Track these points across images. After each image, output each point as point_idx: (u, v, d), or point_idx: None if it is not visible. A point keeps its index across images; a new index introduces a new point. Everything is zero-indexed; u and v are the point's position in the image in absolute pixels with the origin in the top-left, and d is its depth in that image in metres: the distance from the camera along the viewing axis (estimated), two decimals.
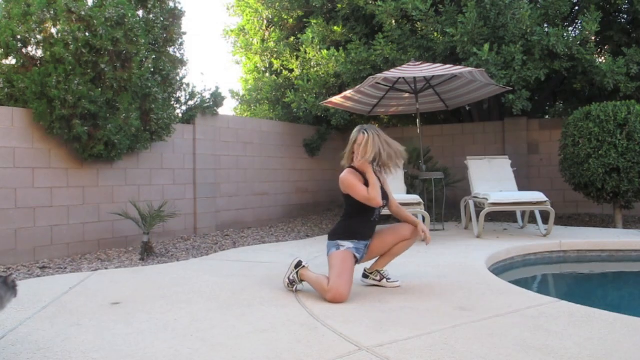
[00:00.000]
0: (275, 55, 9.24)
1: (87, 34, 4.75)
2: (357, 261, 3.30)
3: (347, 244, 3.25)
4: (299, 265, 3.30)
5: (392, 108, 7.62)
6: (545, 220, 5.91)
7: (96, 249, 5.36)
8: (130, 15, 4.96)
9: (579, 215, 8.07)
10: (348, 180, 3.27)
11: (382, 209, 3.38)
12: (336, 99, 6.72)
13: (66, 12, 4.69)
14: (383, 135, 3.32)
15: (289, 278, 3.31)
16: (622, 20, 8.01)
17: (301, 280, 3.27)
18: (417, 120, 6.77)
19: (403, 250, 3.43)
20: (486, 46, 6.67)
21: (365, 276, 3.51)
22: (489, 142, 8.82)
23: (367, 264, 3.53)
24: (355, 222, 3.31)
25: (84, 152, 5.03)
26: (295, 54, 9.02)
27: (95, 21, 4.73)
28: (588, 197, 6.65)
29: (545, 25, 7.21)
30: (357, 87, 6.31)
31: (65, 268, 4.51)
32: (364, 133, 3.28)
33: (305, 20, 8.89)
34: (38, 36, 4.74)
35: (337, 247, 3.24)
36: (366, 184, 3.26)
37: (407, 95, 7.07)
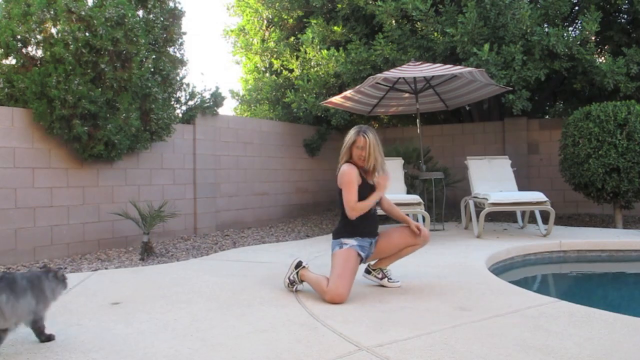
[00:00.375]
0: (275, 55, 9.25)
1: (87, 34, 4.75)
2: (362, 260, 3.28)
3: (351, 242, 3.22)
4: (299, 265, 3.29)
5: (392, 108, 7.63)
6: (545, 220, 5.91)
7: (96, 249, 5.37)
8: (130, 15, 4.96)
9: (579, 215, 8.07)
10: (348, 176, 3.20)
11: (375, 209, 3.37)
12: (336, 99, 6.72)
13: (66, 12, 4.69)
14: (378, 137, 3.29)
15: (289, 278, 3.31)
16: (622, 20, 8.01)
17: (301, 281, 3.27)
18: (417, 120, 6.77)
19: (409, 253, 3.44)
20: (486, 46, 6.67)
21: (367, 272, 3.51)
22: (489, 142, 8.83)
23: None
24: (357, 219, 3.26)
25: (84, 152, 5.03)
26: (295, 54, 9.02)
27: (95, 21, 4.73)
28: (588, 197, 6.65)
29: (545, 25, 7.22)
30: (357, 87, 6.31)
31: (65, 268, 4.51)
32: (364, 136, 3.20)
33: (305, 20, 8.89)
34: (38, 36, 4.74)
35: (340, 246, 3.22)
36: (363, 186, 3.23)
37: (407, 95, 7.07)
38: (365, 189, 3.27)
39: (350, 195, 3.18)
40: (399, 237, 3.37)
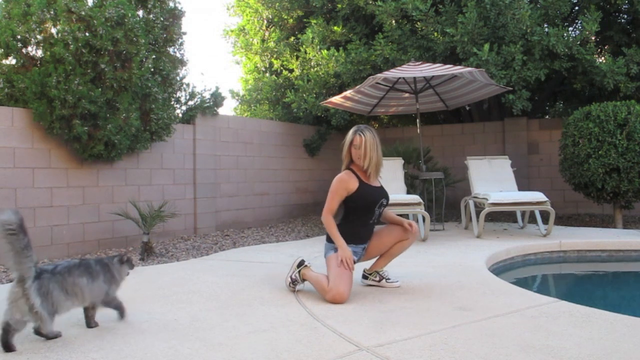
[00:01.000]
0: (275, 55, 9.25)
1: (87, 34, 4.75)
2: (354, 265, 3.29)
3: None
4: (301, 264, 3.29)
5: (392, 108, 7.63)
6: (545, 220, 5.91)
7: (96, 249, 5.37)
8: (130, 15, 4.96)
9: (579, 215, 8.07)
10: (336, 184, 3.24)
11: (379, 214, 3.35)
12: (336, 99, 6.72)
13: (66, 12, 4.69)
14: (377, 137, 3.28)
15: (291, 277, 3.30)
16: (622, 20, 8.01)
17: (303, 280, 3.27)
18: (417, 120, 6.77)
19: (401, 250, 3.41)
20: (486, 46, 6.67)
21: (364, 277, 3.50)
22: (489, 142, 8.83)
23: (367, 264, 3.52)
24: (354, 225, 3.28)
25: (84, 152, 5.03)
26: (295, 54, 9.02)
27: (95, 21, 4.73)
28: (588, 197, 6.65)
29: (545, 25, 7.22)
30: (357, 87, 6.31)
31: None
32: (360, 134, 3.20)
33: (305, 20, 8.90)
34: (38, 36, 4.74)
35: (334, 250, 3.23)
36: (361, 189, 3.23)
37: (407, 95, 7.07)
38: (366, 191, 3.26)
39: (328, 203, 3.24)
40: (388, 234, 3.36)
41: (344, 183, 3.23)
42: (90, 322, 2.61)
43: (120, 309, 2.70)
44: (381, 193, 3.32)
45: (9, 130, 4.71)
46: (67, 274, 2.41)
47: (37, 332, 2.36)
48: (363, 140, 3.18)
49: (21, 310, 2.23)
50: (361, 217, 3.28)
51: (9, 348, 2.23)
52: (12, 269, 2.26)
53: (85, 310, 2.60)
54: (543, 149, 8.45)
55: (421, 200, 5.43)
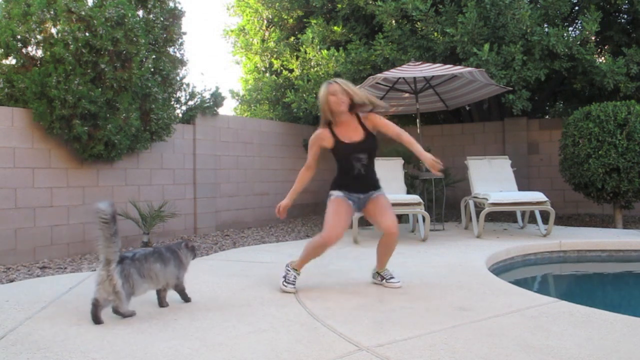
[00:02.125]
0: (275, 55, 9.25)
1: (87, 34, 4.75)
2: (353, 207, 3.34)
3: (337, 193, 3.35)
4: (287, 265, 3.44)
5: (392, 108, 7.62)
6: (545, 220, 5.91)
7: (96, 248, 5.36)
8: (130, 15, 4.96)
9: (579, 215, 8.07)
10: (309, 141, 3.46)
11: (361, 164, 3.31)
12: None
13: (66, 12, 4.69)
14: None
15: (284, 277, 3.36)
16: (622, 20, 8.01)
17: (295, 269, 3.39)
18: (417, 120, 6.77)
19: (387, 249, 3.39)
20: (486, 46, 6.67)
21: (372, 276, 3.57)
22: (489, 142, 8.83)
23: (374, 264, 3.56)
24: (341, 176, 3.39)
25: (84, 152, 5.03)
26: (295, 54, 9.02)
27: (95, 21, 4.73)
28: (588, 197, 6.64)
29: (545, 25, 7.22)
30: (357, 87, 6.30)
31: (65, 268, 4.51)
32: (332, 82, 3.29)
33: (305, 20, 8.90)
34: (38, 36, 4.74)
35: (328, 198, 3.38)
36: (337, 146, 3.32)
37: (407, 95, 7.07)
38: (339, 147, 3.31)
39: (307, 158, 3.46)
40: (379, 213, 3.32)
41: (318, 139, 3.39)
42: (162, 302, 2.94)
43: (183, 293, 3.01)
44: (356, 147, 3.30)
45: (9, 130, 4.71)
46: (144, 261, 2.74)
47: (115, 311, 2.69)
48: (337, 85, 3.28)
49: (107, 290, 2.61)
50: (344, 168, 3.36)
51: (97, 320, 2.62)
52: (100, 252, 2.66)
53: (158, 292, 2.93)
54: (543, 149, 8.45)
55: (421, 200, 5.42)
